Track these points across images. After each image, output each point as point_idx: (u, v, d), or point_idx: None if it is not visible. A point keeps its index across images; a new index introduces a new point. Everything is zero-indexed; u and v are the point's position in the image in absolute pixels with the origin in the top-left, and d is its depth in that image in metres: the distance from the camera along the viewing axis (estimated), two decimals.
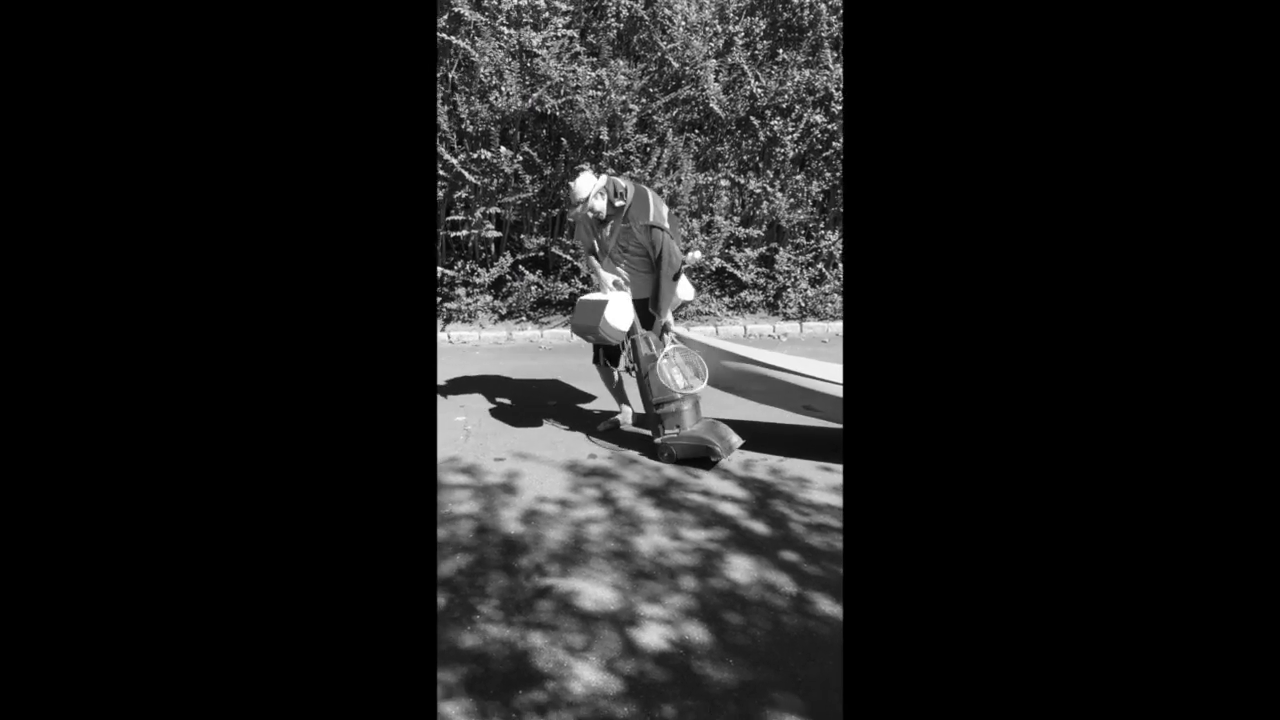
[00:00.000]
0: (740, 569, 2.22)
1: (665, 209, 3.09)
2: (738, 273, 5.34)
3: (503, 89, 4.68)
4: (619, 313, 3.02)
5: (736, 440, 2.94)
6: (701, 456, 2.91)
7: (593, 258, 3.22)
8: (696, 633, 1.93)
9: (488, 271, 5.15)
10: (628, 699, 1.69)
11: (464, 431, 3.32)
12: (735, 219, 5.23)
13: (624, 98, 4.79)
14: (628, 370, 3.19)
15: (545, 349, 4.98)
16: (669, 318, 3.15)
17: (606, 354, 3.28)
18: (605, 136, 4.89)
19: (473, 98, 4.73)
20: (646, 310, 3.17)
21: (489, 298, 5.23)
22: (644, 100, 4.94)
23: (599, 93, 4.77)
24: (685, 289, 3.20)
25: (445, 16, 4.63)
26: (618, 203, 3.04)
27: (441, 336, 5.01)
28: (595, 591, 2.11)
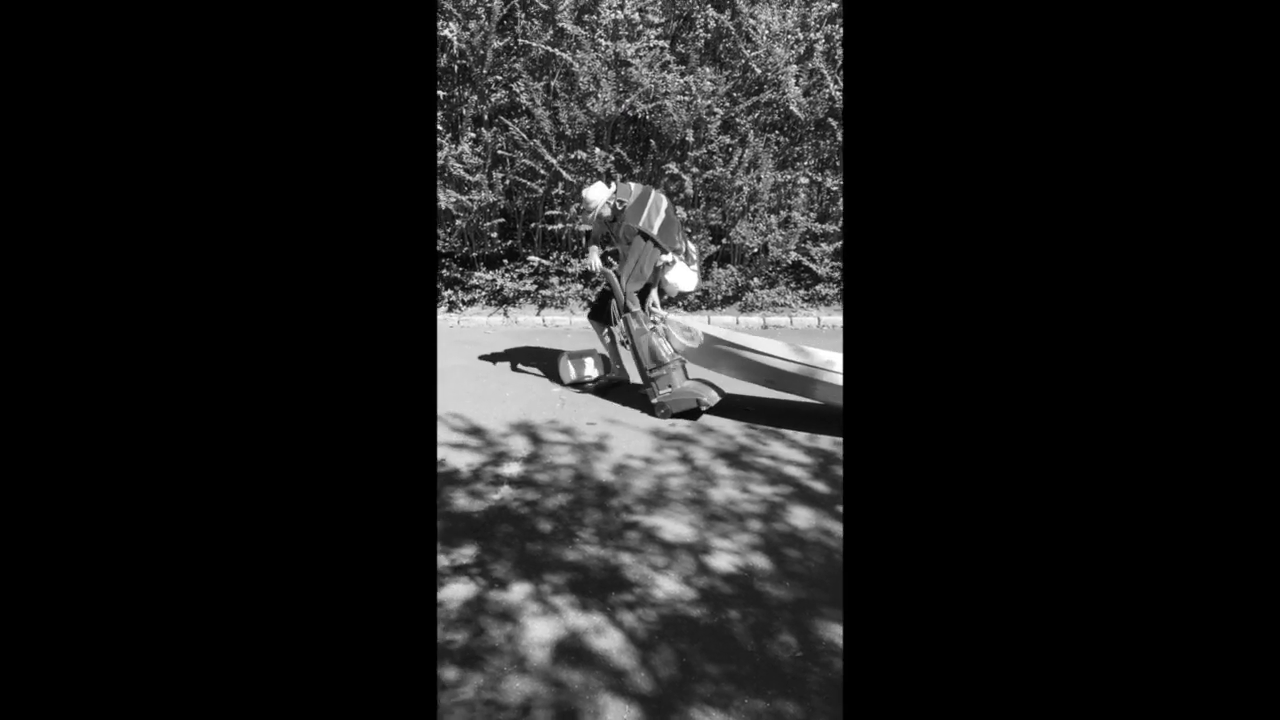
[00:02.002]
0: (801, 518, 2.57)
1: (661, 217, 3.61)
2: (814, 266, 5.61)
3: (599, 95, 5.13)
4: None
5: (716, 395, 3.51)
6: (692, 408, 3.47)
7: (593, 245, 3.92)
8: (760, 561, 2.29)
9: (579, 262, 5.62)
10: (700, 604, 2.08)
11: (559, 400, 3.78)
12: (812, 215, 5.49)
13: (709, 102, 5.15)
14: (622, 343, 3.78)
15: None
16: (653, 300, 3.73)
17: (595, 314, 3.96)
18: (691, 138, 5.26)
19: (572, 103, 5.20)
20: (645, 294, 3.74)
21: (580, 285, 5.71)
22: (728, 104, 5.27)
23: (686, 98, 5.15)
24: (687, 279, 3.72)
25: (550, 31, 5.11)
26: (618, 205, 3.66)
27: (536, 320, 5.52)
28: (674, 527, 2.50)
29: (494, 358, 4.52)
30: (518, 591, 2.12)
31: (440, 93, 5.23)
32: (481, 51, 5.14)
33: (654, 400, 3.52)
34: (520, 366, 4.33)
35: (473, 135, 5.29)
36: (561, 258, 5.69)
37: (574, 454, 3.11)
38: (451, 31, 4.99)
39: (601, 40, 5.09)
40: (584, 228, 3.92)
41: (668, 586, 2.16)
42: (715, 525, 2.51)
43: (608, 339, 3.91)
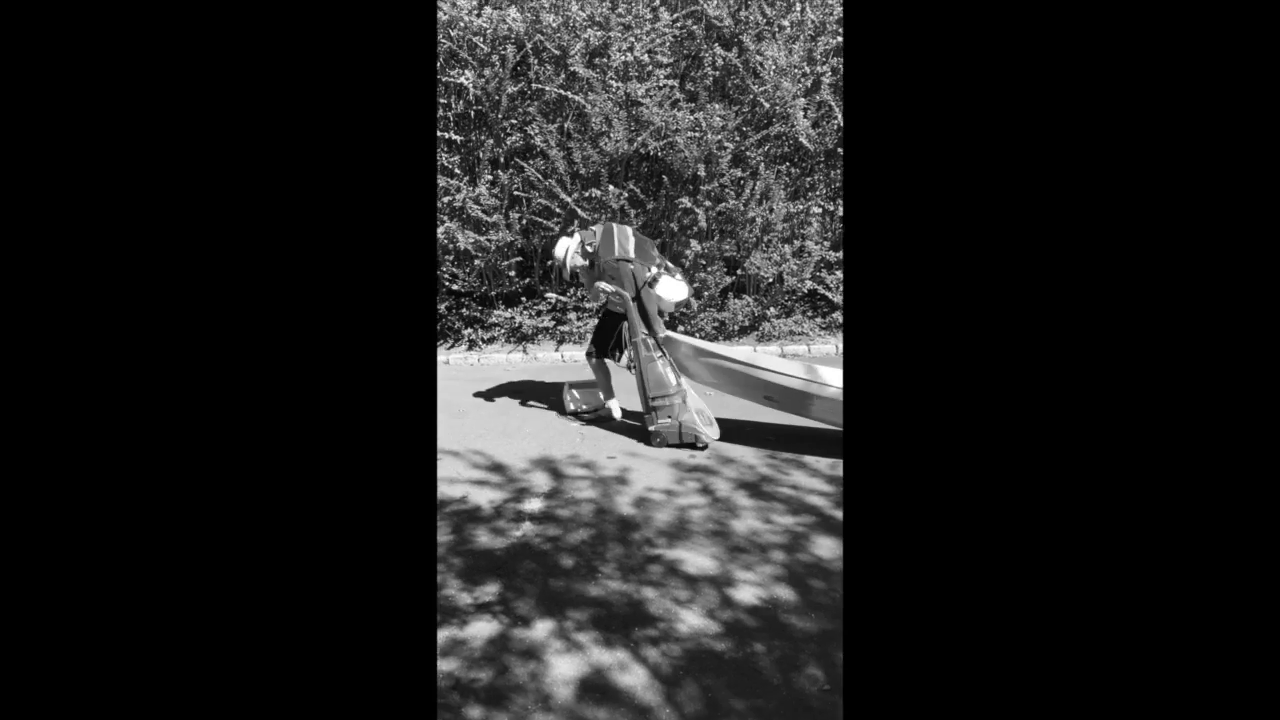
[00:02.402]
0: (824, 547, 2.54)
1: (631, 241, 3.75)
2: (829, 294, 5.62)
3: (611, 134, 5.25)
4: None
5: (716, 431, 3.53)
6: (690, 442, 3.49)
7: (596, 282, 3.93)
8: (784, 593, 2.26)
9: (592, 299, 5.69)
10: (725, 638, 2.06)
11: (579, 435, 3.80)
12: (826, 244, 5.52)
13: (719, 137, 5.24)
14: (628, 368, 3.79)
15: None
16: (658, 325, 3.71)
17: (596, 348, 3.96)
18: (702, 172, 5.35)
19: (585, 143, 5.32)
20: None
21: (596, 320, 5.77)
22: (738, 138, 5.36)
23: (696, 133, 5.25)
24: (677, 290, 3.79)
25: (563, 75, 5.27)
26: (589, 249, 3.80)
27: (555, 355, 5.57)
28: (697, 560, 2.49)
29: (514, 394, 4.56)
30: (541, 628, 2.12)
31: (458, 137, 5.38)
32: (497, 97, 5.30)
33: (651, 428, 3.55)
34: (539, 402, 4.37)
35: (490, 177, 5.42)
36: (578, 294, 5.77)
37: (595, 488, 3.12)
38: (468, 79, 5.15)
39: (612, 82, 5.22)
40: (568, 274, 4.04)
41: (691, 620, 2.14)
42: (738, 557, 2.50)
43: (600, 371, 3.99)
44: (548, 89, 5.28)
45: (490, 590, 2.33)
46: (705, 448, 3.48)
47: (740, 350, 3.76)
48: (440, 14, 5.02)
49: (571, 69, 5.21)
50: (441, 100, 5.33)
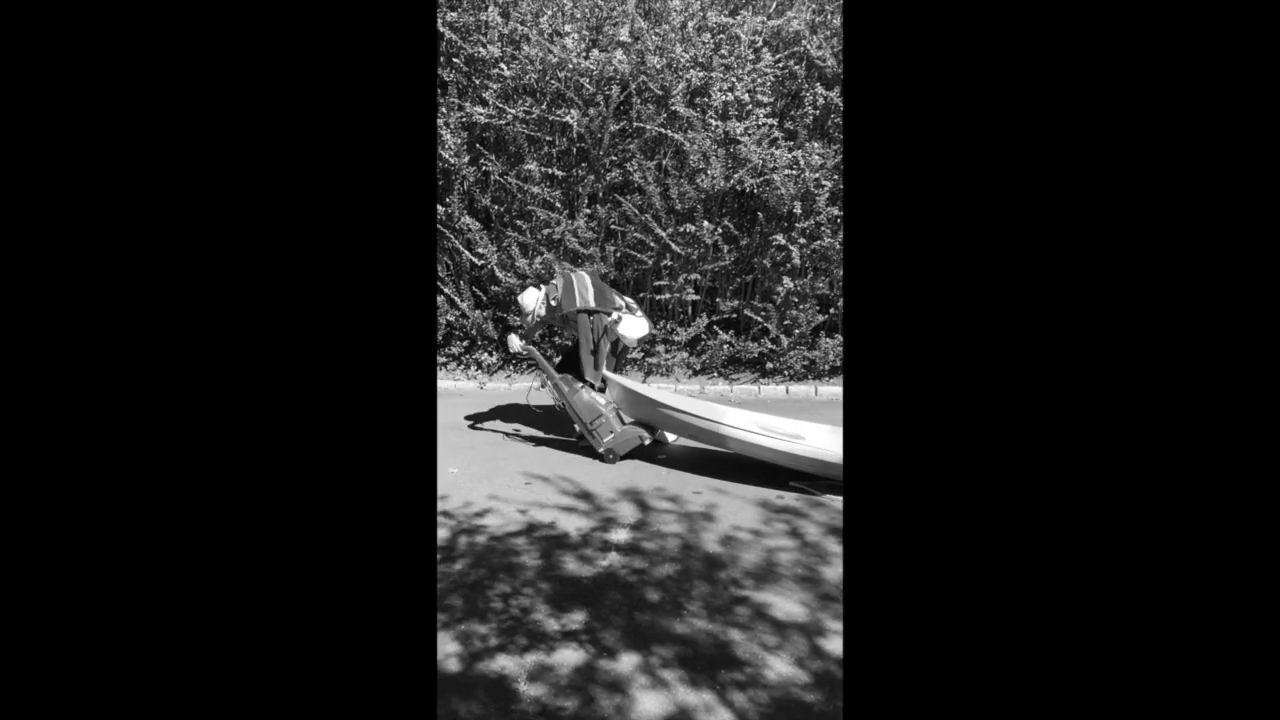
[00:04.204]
0: None
1: (591, 290, 4.06)
2: None
3: (708, 171, 5.33)
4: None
5: (647, 434, 3.89)
6: (635, 448, 3.85)
7: (512, 335, 4.25)
8: None
9: (685, 330, 5.73)
10: (815, 689, 1.99)
11: (663, 461, 3.81)
12: None
13: (817, 175, 5.22)
14: (558, 407, 4.13)
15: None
16: (604, 366, 4.07)
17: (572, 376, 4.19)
18: (798, 209, 5.33)
19: (682, 180, 5.42)
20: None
21: (685, 354, 5.79)
22: (836, 177, 5.32)
23: (794, 171, 5.25)
24: (637, 327, 4.15)
25: (664, 115, 5.41)
26: (552, 302, 4.13)
27: (641, 387, 5.63)
28: (786, 605, 2.43)
29: None
30: (626, 662, 2.12)
31: (560, 172, 5.59)
32: (599, 135, 5.49)
33: (600, 449, 3.84)
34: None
35: (588, 211, 5.60)
36: (668, 326, 5.82)
37: (680, 523, 3.11)
38: (573, 118, 5.37)
39: (712, 120, 5.31)
40: (533, 321, 4.44)
41: (780, 668, 2.09)
42: (829, 606, 2.42)
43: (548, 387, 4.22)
44: (648, 127, 5.43)
45: (577, 618, 2.35)
46: (655, 441, 3.90)
47: (683, 399, 4.16)
48: (551, 56, 5.28)
49: (673, 108, 5.34)
50: (547, 138, 5.57)
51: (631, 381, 4.07)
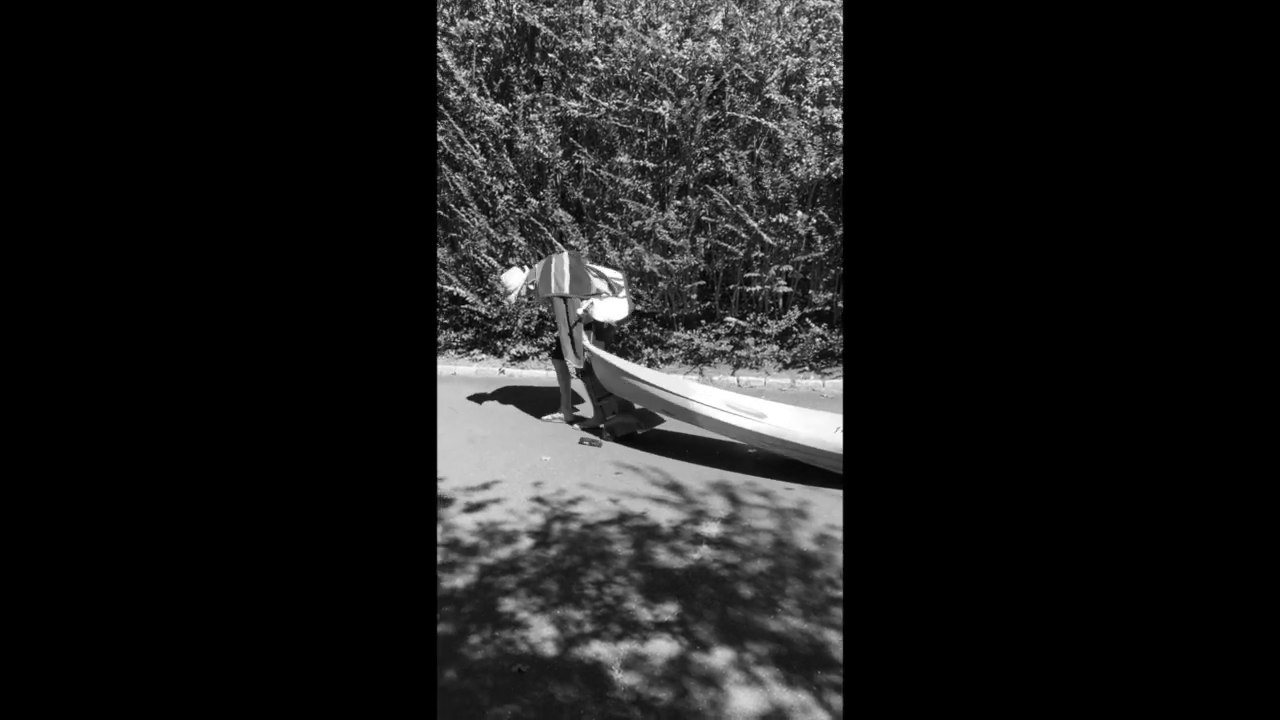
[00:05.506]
0: None
1: (567, 276, 4.08)
2: None
3: (803, 160, 5.19)
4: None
5: (635, 422, 4.16)
6: (630, 432, 4.13)
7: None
8: None
9: (776, 323, 5.62)
10: None
11: (754, 458, 3.75)
12: None
13: None
14: (578, 374, 4.23)
15: (828, 397, 5.25)
16: (585, 342, 4.12)
17: (554, 355, 4.39)
18: None
19: (775, 169, 5.31)
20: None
21: (775, 347, 5.69)
22: None
23: None
24: (616, 309, 4.20)
25: (758, 103, 5.31)
26: (531, 286, 4.22)
27: (731, 380, 5.57)
28: None
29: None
30: (720, 656, 2.11)
31: (651, 164, 5.60)
32: (691, 125, 5.45)
33: (602, 425, 4.15)
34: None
35: (679, 203, 5.58)
36: (758, 319, 5.73)
37: (773, 519, 3.06)
38: (665, 109, 5.35)
39: (808, 107, 5.17)
40: (512, 302, 4.62)
41: None
42: None
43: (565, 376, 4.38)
44: (741, 116, 5.35)
45: (670, 610, 2.36)
46: (641, 432, 4.14)
47: (649, 371, 4.29)
48: (644, 48, 5.28)
49: (767, 95, 5.23)
50: (639, 129, 5.58)
51: (610, 355, 4.12)
